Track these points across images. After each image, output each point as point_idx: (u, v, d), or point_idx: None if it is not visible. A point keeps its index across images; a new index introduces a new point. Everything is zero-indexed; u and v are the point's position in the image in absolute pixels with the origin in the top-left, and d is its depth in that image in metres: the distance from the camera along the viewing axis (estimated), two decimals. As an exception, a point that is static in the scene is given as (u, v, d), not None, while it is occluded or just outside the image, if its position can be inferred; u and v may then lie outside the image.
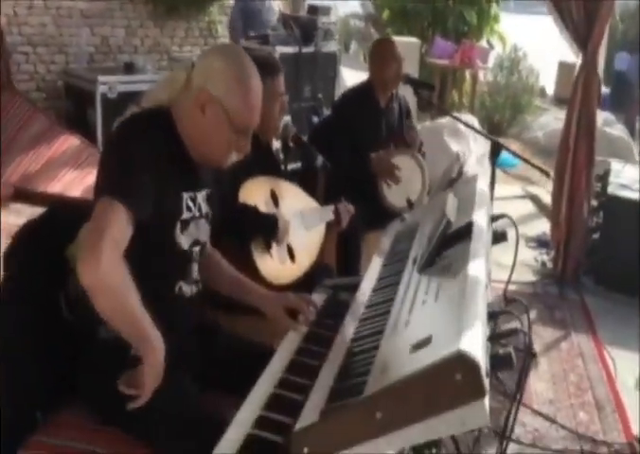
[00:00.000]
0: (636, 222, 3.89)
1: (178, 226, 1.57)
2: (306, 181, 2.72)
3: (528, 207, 5.56)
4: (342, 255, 2.94)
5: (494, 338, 1.06)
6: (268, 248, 2.19)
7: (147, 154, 1.47)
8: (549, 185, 6.02)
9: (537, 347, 3.29)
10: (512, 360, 1.03)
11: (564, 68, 9.44)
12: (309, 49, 5.11)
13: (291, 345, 1.53)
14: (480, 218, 1.41)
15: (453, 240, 1.33)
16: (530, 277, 4.13)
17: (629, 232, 3.92)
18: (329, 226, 2.58)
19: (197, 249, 1.67)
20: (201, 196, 1.66)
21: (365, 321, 1.32)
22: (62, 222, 1.58)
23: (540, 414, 2.73)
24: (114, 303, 1.35)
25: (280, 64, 2.33)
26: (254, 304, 1.75)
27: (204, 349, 1.71)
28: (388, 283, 1.44)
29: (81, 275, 1.32)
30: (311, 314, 1.67)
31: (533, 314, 3.69)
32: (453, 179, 1.85)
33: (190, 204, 1.61)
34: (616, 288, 3.95)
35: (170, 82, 1.61)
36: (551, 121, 7.82)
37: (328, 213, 2.54)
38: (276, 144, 2.51)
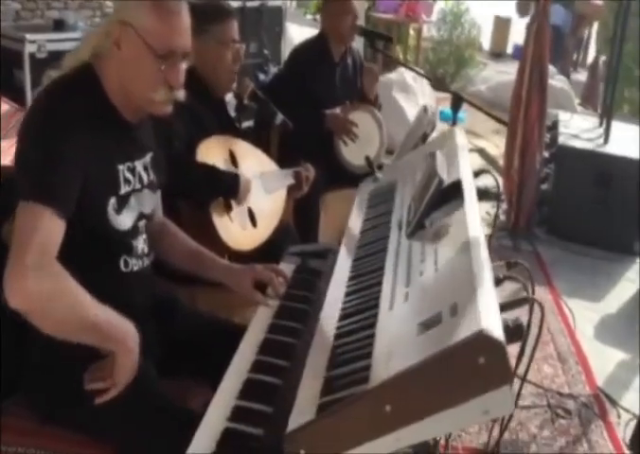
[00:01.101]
0: (588, 170, 3.94)
1: (112, 203, 1.38)
2: (259, 139, 2.56)
3: (476, 161, 5.53)
4: (299, 218, 2.81)
5: (504, 308, 0.94)
6: (228, 209, 2.04)
7: (71, 136, 1.27)
8: (495, 139, 6.04)
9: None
10: (524, 332, 0.92)
11: (499, 23, 9.50)
12: (253, 3, 4.82)
13: (262, 322, 1.38)
14: (467, 176, 1.28)
15: (441, 200, 1.20)
16: (484, 231, 4.09)
17: (580, 180, 3.96)
18: (290, 190, 2.44)
19: (142, 223, 1.49)
20: (141, 164, 1.47)
21: (352, 294, 1.17)
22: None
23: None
24: (59, 319, 1.21)
25: (231, 9, 2.14)
26: (217, 278, 1.58)
27: (161, 329, 1.55)
28: (371, 250, 1.30)
29: (10, 300, 1.16)
30: (281, 286, 1.53)
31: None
32: (426, 133, 1.72)
33: (129, 176, 1.42)
34: (568, 237, 4.00)
35: (92, 36, 1.41)
36: (493, 75, 7.87)
37: (289, 176, 2.40)
38: (229, 98, 2.33)
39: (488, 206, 4.40)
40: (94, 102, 1.34)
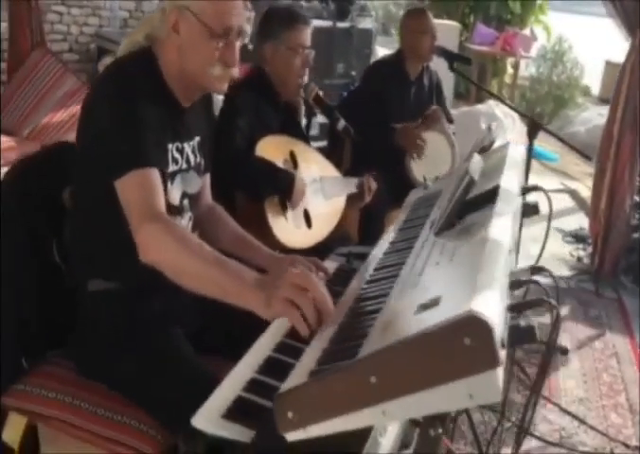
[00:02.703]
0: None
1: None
2: (333, 154, 2.62)
3: (566, 201, 5.39)
4: (365, 232, 2.83)
5: (516, 308, 0.93)
6: (283, 207, 2.08)
7: (140, 101, 1.36)
8: (589, 182, 5.84)
9: (568, 344, 3.14)
10: (535, 334, 0.90)
11: (611, 68, 9.17)
12: (344, 24, 4.88)
13: (295, 310, 1.41)
14: (508, 183, 1.27)
15: (478, 204, 1.20)
16: (565, 272, 3.96)
17: (674, 230, 3.77)
18: (352, 199, 2.47)
19: (186, 201, 1.57)
20: (189, 146, 1.54)
21: (372, 283, 1.19)
22: (60, 162, 1.49)
23: (568, 413, 2.58)
24: (182, 268, 1.25)
25: (304, 16, 2.22)
26: (259, 264, 1.62)
27: (199, 303, 1.60)
28: (402, 247, 1.31)
29: (143, 257, 1.27)
30: (320, 279, 1.55)
31: (566, 310, 3.54)
32: (483, 148, 1.71)
33: (177, 156, 1.50)
34: (656, 290, 3.79)
35: (145, 22, 1.50)
36: (594, 117, 7.57)
37: (350, 185, 2.44)
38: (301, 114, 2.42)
39: (572, 248, 4.30)
40: (152, 81, 1.43)
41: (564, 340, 3.21)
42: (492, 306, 0.79)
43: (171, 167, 1.49)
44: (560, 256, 4.15)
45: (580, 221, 4.60)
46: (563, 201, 5.33)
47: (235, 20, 1.42)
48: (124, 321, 1.44)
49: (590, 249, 4.09)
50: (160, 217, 1.29)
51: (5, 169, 1.51)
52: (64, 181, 1.48)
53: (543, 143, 6.42)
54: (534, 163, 6.23)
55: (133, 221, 1.28)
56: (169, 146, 1.47)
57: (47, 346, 1.55)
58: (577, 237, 4.44)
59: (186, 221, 1.57)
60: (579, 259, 4.15)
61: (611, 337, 3.31)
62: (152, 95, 1.41)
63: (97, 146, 1.38)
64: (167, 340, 1.44)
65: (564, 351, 3.05)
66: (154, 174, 1.33)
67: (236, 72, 1.48)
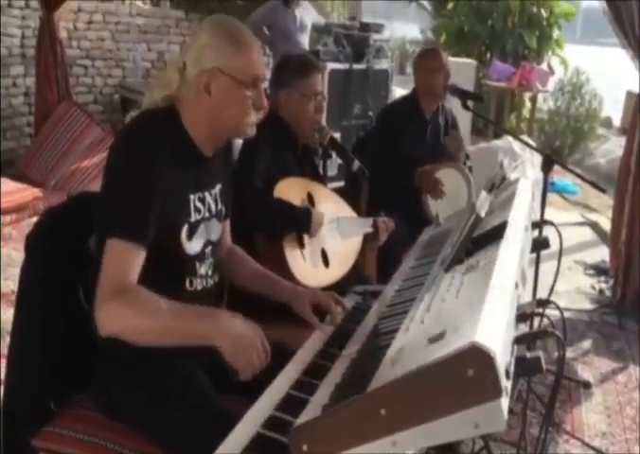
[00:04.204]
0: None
1: (185, 230, 1.51)
2: (349, 195, 2.66)
3: (587, 234, 5.36)
4: (383, 272, 2.85)
5: (522, 340, 0.96)
6: (301, 246, 2.13)
7: (153, 169, 1.41)
8: (610, 213, 5.81)
9: (590, 378, 3.10)
10: (541, 365, 0.93)
11: (631, 98, 9.13)
12: (360, 66, 4.97)
13: (313, 347, 1.45)
14: (516, 219, 1.31)
15: (486, 240, 1.24)
16: (587, 305, 3.93)
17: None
18: (368, 239, 2.51)
19: (209, 249, 1.62)
20: (210, 195, 1.60)
21: (384, 319, 1.23)
22: (86, 211, 1.56)
23: (591, 448, 2.54)
24: (149, 335, 1.34)
25: (316, 63, 2.30)
26: (281, 298, 1.66)
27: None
28: (413, 283, 1.36)
29: (101, 330, 1.35)
30: (339, 315, 1.60)
31: (588, 343, 3.50)
32: (494, 185, 1.75)
33: (199, 205, 1.55)
34: (679, 321, 3.71)
35: (163, 81, 1.55)
36: (615, 148, 7.56)
37: (367, 225, 2.47)
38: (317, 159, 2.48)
39: (594, 280, 4.27)
40: (174, 135, 1.49)
41: (587, 373, 3.17)
42: (496, 338, 0.83)
43: (194, 217, 1.54)
44: (581, 289, 4.12)
45: (602, 254, 4.58)
46: (585, 234, 5.31)
47: (259, 68, 1.52)
48: (143, 361, 1.47)
49: (611, 281, 4.05)
50: (124, 289, 1.34)
51: (32, 219, 1.58)
52: (90, 229, 1.54)
53: (563, 176, 6.43)
54: (556, 197, 6.25)
55: (98, 292, 1.34)
56: (191, 196, 1.53)
57: (74, 389, 1.60)
58: (599, 270, 4.42)
59: (207, 267, 1.61)
60: (601, 292, 4.11)
61: (634, 369, 3.26)
62: (174, 149, 1.47)
63: (105, 199, 1.44)
64: (186, 380, 1.48)
65: (587, 385, 3.02)
66: (138, 251, 1.38)
67: (261, 114, 1.57)
